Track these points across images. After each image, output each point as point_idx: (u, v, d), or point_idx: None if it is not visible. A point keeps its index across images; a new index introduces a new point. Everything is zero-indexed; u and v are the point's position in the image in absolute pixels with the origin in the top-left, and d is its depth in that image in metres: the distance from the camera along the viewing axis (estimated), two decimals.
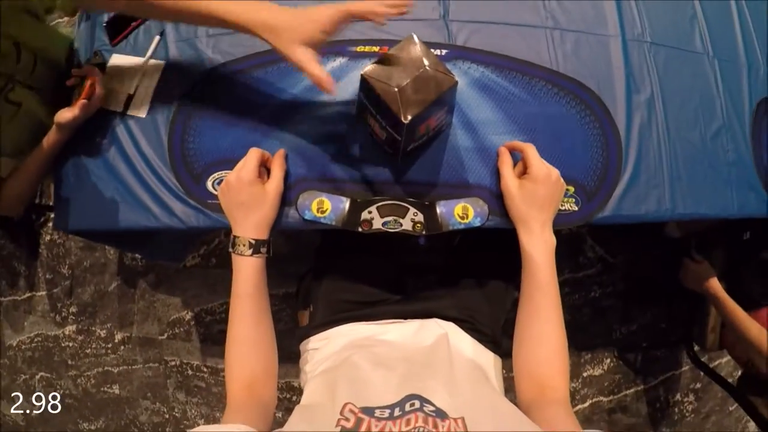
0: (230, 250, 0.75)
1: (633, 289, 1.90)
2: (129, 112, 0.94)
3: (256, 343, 0.74)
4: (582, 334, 1.90)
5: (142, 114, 0.94)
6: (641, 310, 1.91)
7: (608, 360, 1.91)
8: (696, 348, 1.72)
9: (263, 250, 0.75)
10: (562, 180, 0.78)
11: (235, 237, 0.75)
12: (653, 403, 1.94)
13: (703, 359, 1.74)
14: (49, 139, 0.91)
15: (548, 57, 0.92)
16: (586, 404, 1.91)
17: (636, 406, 1.93)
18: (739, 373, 1.59)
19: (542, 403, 0.65)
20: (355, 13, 0.69)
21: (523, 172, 0.80)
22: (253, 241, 0.74)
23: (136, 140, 0.93)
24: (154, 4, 0.76)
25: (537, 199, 0.76)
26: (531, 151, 0.79)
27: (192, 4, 0.74)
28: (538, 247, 0.74)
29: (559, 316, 0.72)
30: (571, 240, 1.89)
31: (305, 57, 0.69)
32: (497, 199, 0.83)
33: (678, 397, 1.95)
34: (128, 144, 0.93)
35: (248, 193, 0.75)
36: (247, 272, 0.74)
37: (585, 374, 1.91)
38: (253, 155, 0.78)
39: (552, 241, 0.76)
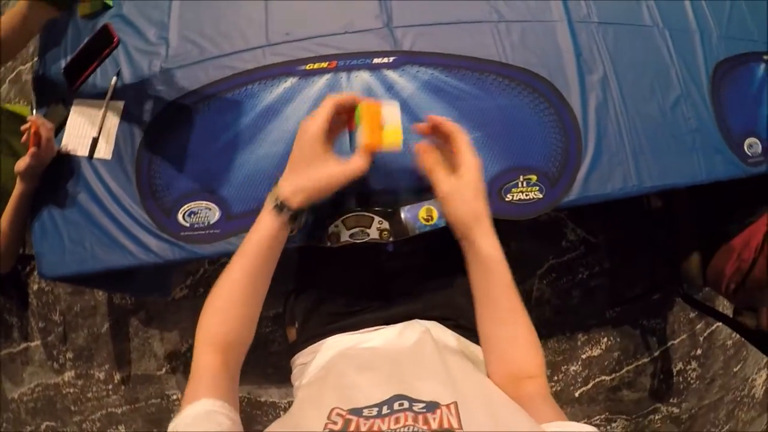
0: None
1: (619, 266, 1.91)
2: (95, 156, 0.94)
3: (243, 304, 0.68)
4: (574, 317, 1.90)
5: (108, 156, 0.94)
6: (629, 285, 1.92)
7: (605, 339, 1.91)
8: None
9: (288, 215, 0.68)
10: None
11: (277, 183, 0.69)
12: (657, 375, 1.94)
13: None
14: (17, 191, 0.93)
15: (496, 50, 0.93)
16: (590, 385, 1.91)
17: (640, 380, 1.93)
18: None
19: (522, 397, 0.64)
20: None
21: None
22: (280, 202, 0.67)
23: (105, 182, 0.94)
24: None
25: (480, 190, 0.70)
26: (464, 138, 0.70)
27: None
28: (495, 243, 0.69)
29: (524, 311, 0.69)
30: (551, 225, 1.89)
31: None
32: None
33: (680, 366, 1.95)
34: (98, 187, 0.94)
35: (309, 148, 0.67)
36: (262, 233, 0.67)
37: (584, 356, 1.91)
38: (328, 104, 0.68)
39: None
